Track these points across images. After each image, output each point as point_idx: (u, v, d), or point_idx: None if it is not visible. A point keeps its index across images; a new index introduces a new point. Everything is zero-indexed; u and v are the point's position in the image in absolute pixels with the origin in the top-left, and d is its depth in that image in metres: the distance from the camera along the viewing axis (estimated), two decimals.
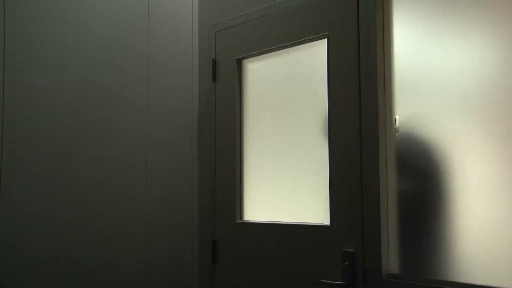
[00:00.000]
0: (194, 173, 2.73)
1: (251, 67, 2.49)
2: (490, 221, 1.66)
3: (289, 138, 2.29)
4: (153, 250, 2.51)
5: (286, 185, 2.29)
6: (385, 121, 1.96)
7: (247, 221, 2.40)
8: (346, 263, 1.98)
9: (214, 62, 2.63)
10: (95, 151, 2.32)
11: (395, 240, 1.91)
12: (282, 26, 2.30)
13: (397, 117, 1.94)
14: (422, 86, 1.88)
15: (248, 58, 2.49)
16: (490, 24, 1.71)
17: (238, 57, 2.50)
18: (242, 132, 2.50)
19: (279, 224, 2.25)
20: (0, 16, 2.06)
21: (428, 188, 1.84)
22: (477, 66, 1.74)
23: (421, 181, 1.86)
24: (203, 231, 2.67)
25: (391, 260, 1.91)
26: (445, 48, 1.82)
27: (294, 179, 2.26)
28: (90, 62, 2.33)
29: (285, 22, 2.29)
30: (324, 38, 2.15)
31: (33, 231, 2.09)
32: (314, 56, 2.21)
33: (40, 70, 2.16)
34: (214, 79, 2.62)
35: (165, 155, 2.61)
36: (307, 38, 2.20)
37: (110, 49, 2.41)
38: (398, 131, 1.94)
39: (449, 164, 1.78)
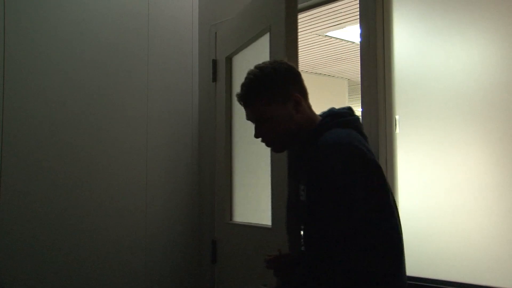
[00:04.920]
0: (194, 173, 2.73)
1: (238, 64, 2.43)
2: (490, 221, 1.66)
3: None
4: (153, 250, 2.51)
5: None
6: (385, 121, 1.95)
7: (236, 222, 2.37)
8: None
9: (214, 62, 2.62)
10: (95, 152, 2.32)
11: None
12: (249, 21, 2.20)
13: (397, 117, 1.94)
14: (422, 86, 1.88)
15: (234, 55, 2.42)
16: (490, 24, 1.71)
17: (227, 55, 2.45)
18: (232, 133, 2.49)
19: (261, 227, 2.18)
20: (0, 16, 2.06)
21: (428, 188, 1.84)
22: (477, 66, 1.73)
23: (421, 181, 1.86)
24: (203, 231, 2.66)
25: None
26: (445, 48, 1.82)
27: None
28: (90, 63, 2.33)
29: (250, 17, 2.18)
30: (267, 32, 2.00)
31: (33, 231, 2.09)
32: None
33: (40, 70, 2.16)
34: (214, 79, 2.61)
35: (165, 154, 2.61)
36: (256, 33, 2.09)
37: (110, 49, 2.41)
38: (398, 131, 1.94)
39: (449, 163, 1.78)
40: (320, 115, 1.43)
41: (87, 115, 2.30)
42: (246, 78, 1.43)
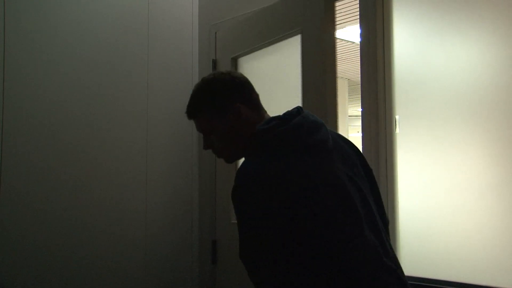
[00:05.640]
0: (194, 173, 2.73)
1: (246, 65, 2.46)
2: (490, 221, 1.66)
3: None
4: (153, 250, 2.51)
5: None
6: (385, 121, 1.95)
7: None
8: None
9: (214, 62, 2.62)
10: (95, 152, 2.32)
11: (395, 240, 1.91)
12: (270, 22, 2.24)
13: (397, 117, 1.94)
14: (422, 86, 1.88)
15: (243, 56, 2.45)
16: (490, 24, 1.71)
17: (233, 56, 2.47)
18: None
19: None
20: (0, 16, 2.06)
21: (428, 188, 1.84)
22: (477, 66, 1.73)
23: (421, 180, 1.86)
24: (203, 231, 2.66)
25: None
26: (445, 48, 1.82)
27: None
28: (90, 63, 2.33)
29: (271, 18, 2.22)
30: (298, 34, 2.06)
31: (32, 231, 2.09)
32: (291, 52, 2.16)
33: (40, 71, 2.16)
34: None
35: (165, 154, 2.61)
36: (282, 34, 2.13)
37: (110, 49, 2.41)
38: (398, 131, 1.94)
39: (449, 163, 1.78)
40: (261, 125, 1.33)
41: (87, 115, 2.30)
42: (192, 91, 1.44)
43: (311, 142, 1.26)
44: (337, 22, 4.41)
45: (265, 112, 1.42)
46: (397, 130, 1.94)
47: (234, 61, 2.47)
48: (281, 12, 2.14)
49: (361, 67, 2.02)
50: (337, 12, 2.08)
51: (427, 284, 1.77)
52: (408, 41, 1.93)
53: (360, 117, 2.03)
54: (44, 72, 2.18)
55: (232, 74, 1.42)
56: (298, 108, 1.35)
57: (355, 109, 8.70)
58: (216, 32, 2.64)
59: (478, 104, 1.72)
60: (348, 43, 5.15)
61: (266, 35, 2.22)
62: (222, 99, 1.37)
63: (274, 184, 1.18)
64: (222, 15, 2.64)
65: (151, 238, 2.51)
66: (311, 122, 1.31)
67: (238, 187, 1.22)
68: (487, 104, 1.70)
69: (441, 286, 1.74)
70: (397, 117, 1.94)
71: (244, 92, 1.40)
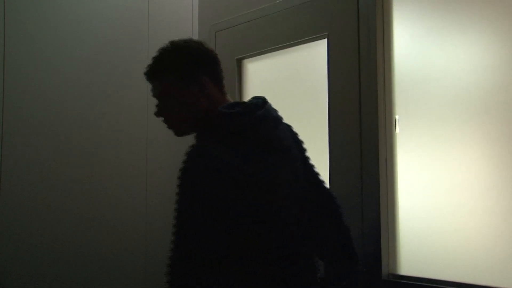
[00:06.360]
0: None
1: (251, 67, 2.49)
2: (490, 221, 1.66)
3: None
4: (153, 249, 2.51)
5: None
6: (385, 121, 1.95)
7: None
8: None
9: None
10: (95, 151, 2.32)
11: (395, 240, 1.91)
12: (282, 25, 2.30)
13: (397, 117, 1.94)
14: (422, 86, 1.88)
15: (248, 58, 2.49)
16: (490, 24, 1.71)
17: (238, 57, 2.50)
18: None
19: None
20: (0, 16, 2.05)
21: (428, 188, 1.84)
22: (477, 66, 1.73)
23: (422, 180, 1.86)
24: None
25: (391, 260, 1.91)
26: (445, 48, 1.82)
27: None
28: (90, 62, 2.33)
29: (285, 21, 2.29)
30: (324, 38, 2.15)
31: (33, 231, 2.09)
32: (314, 56, 2.21)
33: (40, 70, 2.16)
34: None
35: (165, 154, 2.60)
36: (307, 38, 2.20)
37: (110, 49, 2.41)
38: (398, 131, 1.94)
39: (449, 163, 1.78)
40: (224, 107, 1.27)
41: (87, 115, 2.30)
42: (157, 52, 1.36)
43: (272, 138, 1.24)
44: None
45: (228, 95, 1.36)
46: (397, 130, 1.94)
47: (239, 62, 2.51)
48: (306, 14, 2.18)
49: (361, 67, 2.02)
50: None
51: (427, 284, 1.77)
52: (408, 41, 1.93)
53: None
54: (44, 72, 2.18)
55: (206, 45, 1.36)
56: (263, 99, 1.31)
57: None
58: (216, 32, 2.64)
59: (478, 104, 1.72)
60: None
61: (285, 38, 2.27)
62: (190, 68, 1.30)
63: (229, 178, 1.13)
64: (222, 15, 2.63)
65: (151, 238, 2.51)
66: (274, 117, 1.28)
67: (190, 170, 1.14)
68: (487, 104, 1.70)
69: (441, 286, 1.74)
70: (397, 117, 1.94)
71: (213, 67, 1.34)
